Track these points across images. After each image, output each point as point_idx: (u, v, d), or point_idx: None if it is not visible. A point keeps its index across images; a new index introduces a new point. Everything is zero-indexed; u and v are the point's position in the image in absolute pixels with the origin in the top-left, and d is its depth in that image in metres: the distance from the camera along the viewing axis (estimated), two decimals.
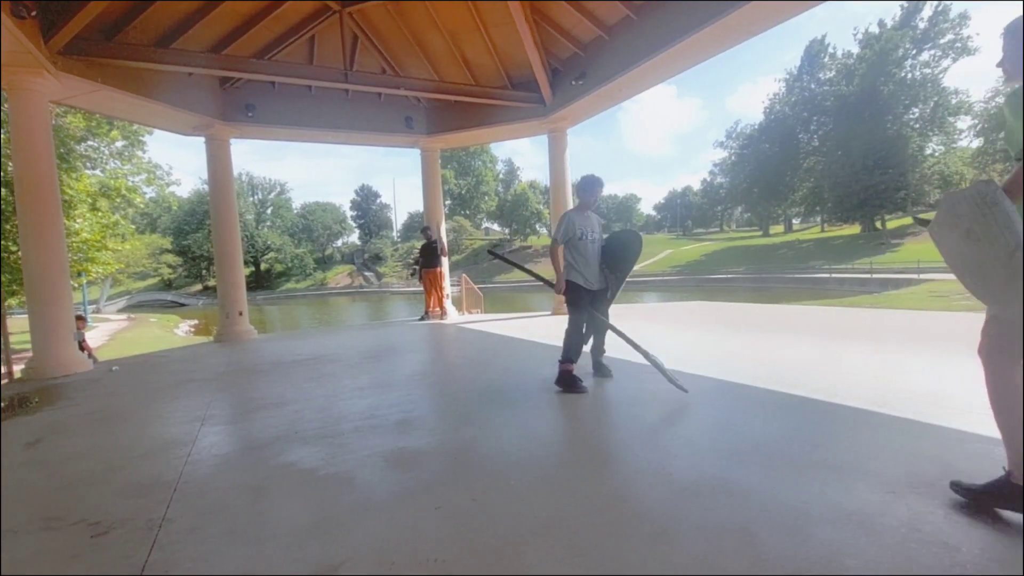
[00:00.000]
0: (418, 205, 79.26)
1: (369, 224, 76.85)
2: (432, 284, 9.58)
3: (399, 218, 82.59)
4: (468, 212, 65.67)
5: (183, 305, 54.32)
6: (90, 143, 13.38)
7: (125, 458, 2.85)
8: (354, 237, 79.22)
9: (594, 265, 3.93)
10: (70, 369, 5.86)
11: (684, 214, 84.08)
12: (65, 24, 5.38)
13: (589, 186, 4.00)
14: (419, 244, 10.49)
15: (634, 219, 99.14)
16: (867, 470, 2.12)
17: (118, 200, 14.10)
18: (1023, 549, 1.53)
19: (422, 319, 9.63)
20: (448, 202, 59.37)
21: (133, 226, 18.12)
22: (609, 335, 4.12)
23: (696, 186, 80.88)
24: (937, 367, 3.82)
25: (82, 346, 7.15)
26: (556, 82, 8.35)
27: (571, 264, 3.92)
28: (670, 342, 5.63)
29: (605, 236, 4.14)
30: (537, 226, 63.45)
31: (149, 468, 2.66)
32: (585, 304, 3.91)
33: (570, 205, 9.29)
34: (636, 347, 3.80)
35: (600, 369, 4.20)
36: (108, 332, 21.65)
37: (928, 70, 39.40)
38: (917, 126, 39.67)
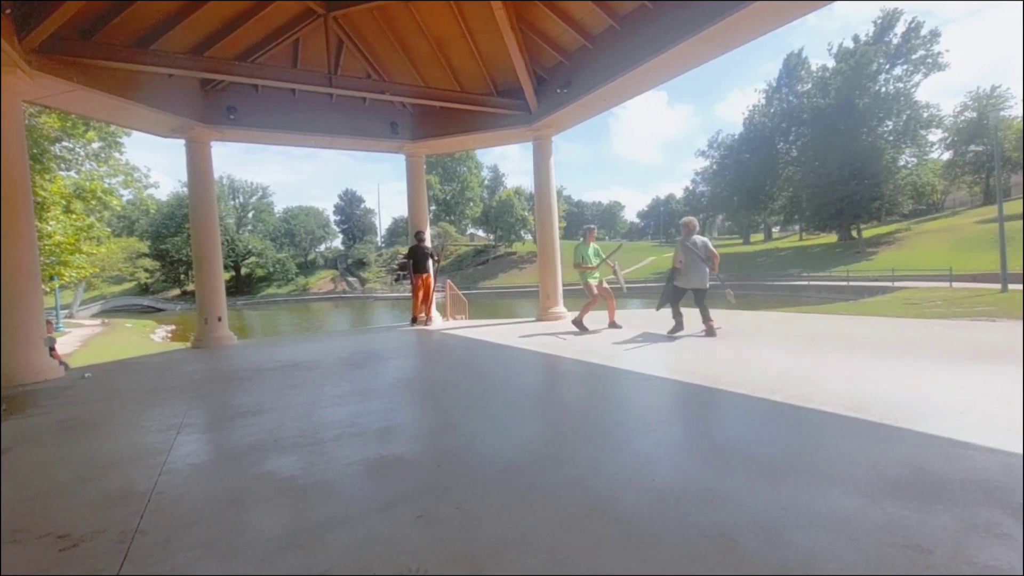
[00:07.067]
0: (402, 211, 78.82)
1: (353, 229, 76.16)
2: (423, 289, 9.55)
3: (383, 223, 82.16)
4: (453, 218, 65.51)
5: (160, 310, 53.18)
6: (65, 144, 13.05)
7: (96, 468, 2.77)
8: (337, 242, 78.49)
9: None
10: (40, 376, 5.68)
11: (667, 222, 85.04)
12: (41, 22, 5.24)
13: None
14: (403, 249, 10.42)
15: (618, 226, 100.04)
16: (843, 475, 2.16)
17: (93, 202, 13.76)
18: (1023, 549, 1.58)
19: (413, 323, 9.59)
20: (433, 207, 59.17)
21: (109, 229, 17.69)
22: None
23: (679, 194, 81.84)
24: (911, 373, 3.91)
25: (52, 352, 6.92)
26: (541, 90, 8.41)
27: None
28: (649, 347, 5.67)
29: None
30: (522, 232, 63.53)
31: (121, 478, 2.59)
32: None
33: (555, 212, 9.39)
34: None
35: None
36: (81, 337, 21.05)
37: (901, 84, 40.67)
38: (891, 138, 40.86)
